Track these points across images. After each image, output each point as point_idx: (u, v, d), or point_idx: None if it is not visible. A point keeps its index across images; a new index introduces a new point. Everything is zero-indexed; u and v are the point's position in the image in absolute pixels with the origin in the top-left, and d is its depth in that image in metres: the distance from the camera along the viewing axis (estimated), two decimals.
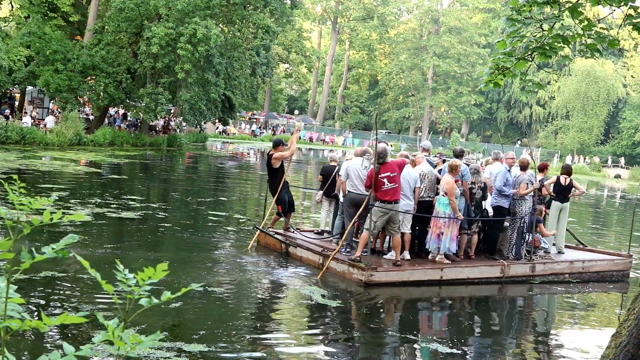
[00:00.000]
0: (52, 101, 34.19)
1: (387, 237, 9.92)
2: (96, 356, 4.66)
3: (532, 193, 10.41)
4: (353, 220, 9.40)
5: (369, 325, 7.20)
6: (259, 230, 10.76)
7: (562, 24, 5.12)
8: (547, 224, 11.58)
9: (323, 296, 7.91)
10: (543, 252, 11.09)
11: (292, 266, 9.55)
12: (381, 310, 8.02)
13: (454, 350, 6.42)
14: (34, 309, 6.14)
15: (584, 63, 66.46)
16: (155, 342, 1.87)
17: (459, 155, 10.47)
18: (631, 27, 4.87)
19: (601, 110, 67.53)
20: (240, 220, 13.53)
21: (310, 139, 66.35)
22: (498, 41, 5.32)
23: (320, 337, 6.47)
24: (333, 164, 11.10)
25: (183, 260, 8.97)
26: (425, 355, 6.36)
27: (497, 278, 9.85)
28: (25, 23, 32.45)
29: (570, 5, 4.90)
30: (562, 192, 11.40)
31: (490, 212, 10.32)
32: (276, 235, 10.56)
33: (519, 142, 68.78)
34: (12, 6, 35.75)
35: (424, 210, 9.79)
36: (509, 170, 10.41)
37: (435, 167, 10.55)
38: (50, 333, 5.65)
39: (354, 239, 10.14)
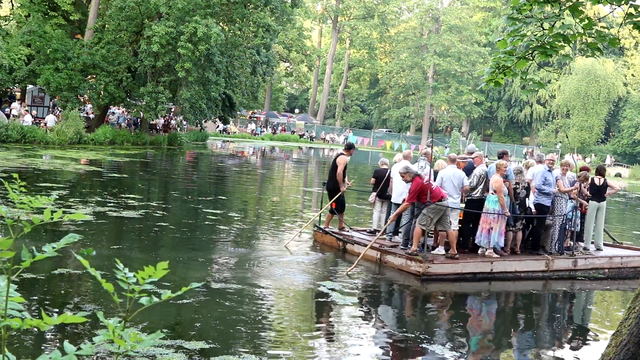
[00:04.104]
0: (19, 100, 34.09)
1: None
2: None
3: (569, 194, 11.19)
4: (393, 217, 10.45)
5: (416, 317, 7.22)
6: (317, 229, 11.63)
7: (562, 23, 5.12)
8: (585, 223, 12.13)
9: (337, 291, 7.98)
10: (582, 248, 11.75)
11: (323, 263, 10.00)
12: (435, 302, 8.64)
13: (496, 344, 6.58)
14: (35, 307, 6.14)
15: (585, 62, 66.42)
16: (156, 341, 1.87)
17: (501, 156, 11.12)
18: (631, 25, 4.87)
19: (602, 109, 67.48)
20: (245, 219, 13.54)
21: (311, 138, 66.42)
22: (499, 40, 5.32)
23: (327, 333, 6.47)
24: (384, 167, 11.83)
25: (190, 259, 8.97)
26: (474, 347, 6.71)
27: (542, 272, 10.56)
28: (25, 22, 32.45)
29: (571, 4, 4.90)
30: (598, 192, 11.96)
31: (533, 210, 11.05)
32: (333, 234, 11.30)
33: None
34: (13, 5, 35.76)
35: (479, 209, 10.52)
36: (549, 171, 11.09)
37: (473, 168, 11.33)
38: (51, 332, 5.65)
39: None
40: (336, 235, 11.20)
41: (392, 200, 11.01)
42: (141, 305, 1.86)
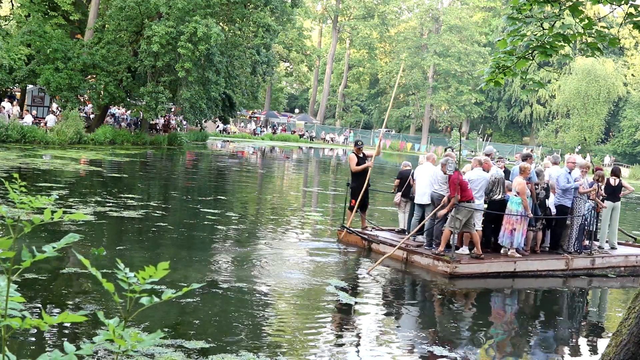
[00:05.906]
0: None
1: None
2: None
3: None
4: (428, 217, 10.67)
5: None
6: (344, 229, 11.70)
7: (562, 23, 5.12)
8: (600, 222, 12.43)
9: (342, 289, 8.04)
10: (597, 247, 12.10)
11: (331, 264, 10.00)
12: (461, 300, 8.86)
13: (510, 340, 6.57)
14: (35, 307, 6.14)
15: (585, 62, 66.41)
16: (156, 340, 1.87)
17: (525, 158, 11.36)
18: (631, 25, 4.87)
19: (602, 108, 67.46)
20: (245, 219, 13.54)
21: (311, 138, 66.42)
22: (499, 40, 5.32)
23: (331, 333, 6.46)
24: (407, 168, 12.10)
25: (190, 258, 8.97)
26: (495, 344, 6.92)
27: (562, 270, 10.92)
28: (25, 22, 32.44)
29: (571, 4, 4.90)
30: (613, 193, 12.35)
31: (554, 210, 11.39)
32: (359, 233, 11.44)
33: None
34: (13, 5, 35.74)
35: (500, 210, 10.83)
36: (569, 173, 11.37)
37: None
38: (51, 332, 5.65)
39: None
40: (361, 235, 11.33)
41: (415, 201, 11.19)
42: (142, 305, 1.86)
